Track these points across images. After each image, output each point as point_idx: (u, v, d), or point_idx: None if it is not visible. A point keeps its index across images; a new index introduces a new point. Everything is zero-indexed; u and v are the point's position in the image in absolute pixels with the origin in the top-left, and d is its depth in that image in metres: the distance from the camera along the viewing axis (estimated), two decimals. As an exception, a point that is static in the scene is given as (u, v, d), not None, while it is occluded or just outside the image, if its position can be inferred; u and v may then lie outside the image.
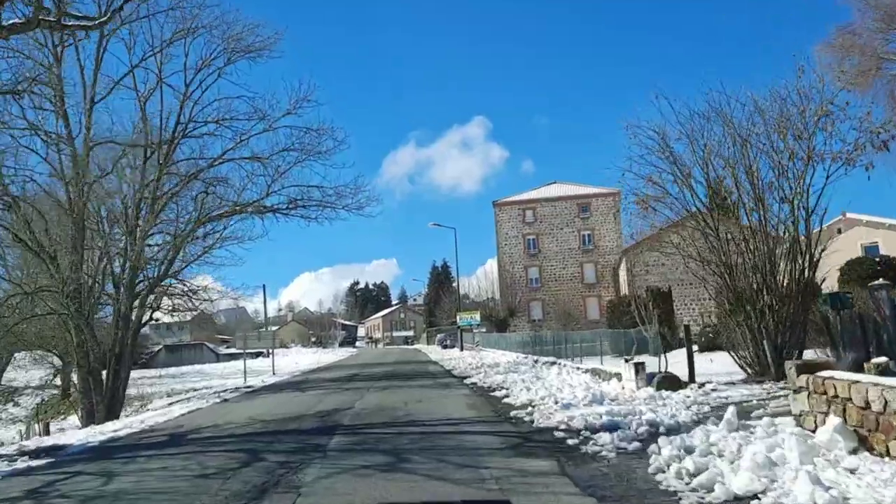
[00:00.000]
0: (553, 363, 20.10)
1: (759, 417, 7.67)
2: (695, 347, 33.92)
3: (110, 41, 21.54)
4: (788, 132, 12.27)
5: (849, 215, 36.38)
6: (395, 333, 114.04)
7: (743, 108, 13.04)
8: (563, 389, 12.97)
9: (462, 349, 42.25)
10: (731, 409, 7.47)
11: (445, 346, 55.25)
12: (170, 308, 33.77)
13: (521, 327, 58.34)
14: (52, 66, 19.37)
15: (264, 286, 79.03)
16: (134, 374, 60.59)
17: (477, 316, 42.99)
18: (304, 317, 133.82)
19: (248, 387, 23.33)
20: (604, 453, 6.95)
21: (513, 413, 10.61)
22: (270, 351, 74.63)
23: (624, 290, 56.61)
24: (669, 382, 11.31)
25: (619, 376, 12.82)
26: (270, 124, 21.94)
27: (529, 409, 10.84)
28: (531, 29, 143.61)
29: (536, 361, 22.07)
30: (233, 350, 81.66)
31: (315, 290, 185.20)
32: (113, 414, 21.25)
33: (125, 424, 14.02)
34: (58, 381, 31.85)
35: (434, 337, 79.37)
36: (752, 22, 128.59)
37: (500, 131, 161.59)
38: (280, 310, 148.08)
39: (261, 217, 23.05)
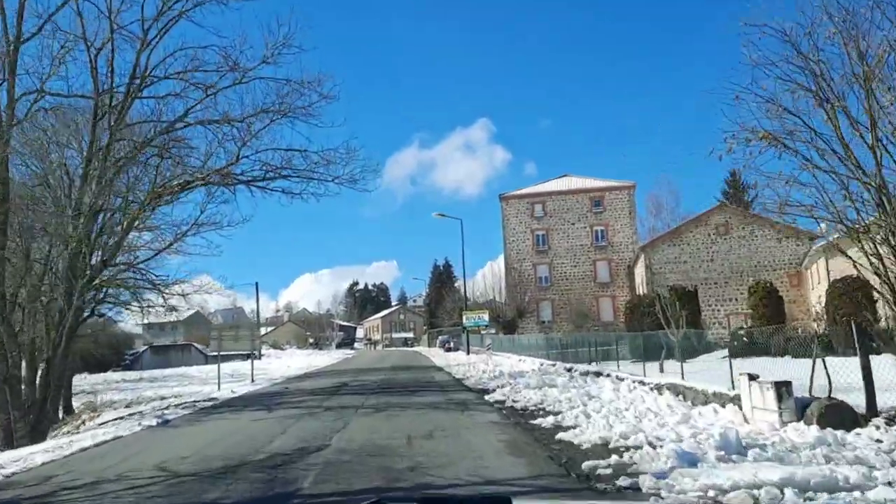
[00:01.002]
0: (598, 374, 15.75)
1: None
2: (721, 354, 29.20)
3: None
4: None
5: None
6: (395, 335, 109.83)
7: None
8: (646, 418, 8.63)
9: (469, 352, 37.96)
10: None
11: (449, 349, 50.87)
12: (143, 306, 29.55)
13: (530, 329, 54.06)
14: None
15: (256, 284, 74.89)
16: (114, 376, 56.48)
17: (485, 316, 38.59)
18: (301, 318, 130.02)
19: (211, 399, 19.00)
20: None
21: (589, 465, 6.36)
22: (256, 353, 70.53)
23: (641, 289, 52.37)
24: (839, 416, 6.95)
25: (735, 401, 8.43)
26: (243, 75, 17.54)
27: (616, 458, 6.57)
28: (538, 30, 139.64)
29: (571, 370, 17.71)
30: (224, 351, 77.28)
31: (315, 291, 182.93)
32: (39, 433, 16.88)
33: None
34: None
35: (435, 339, 75.08)
36: None
37: (503, 134, 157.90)
38: (278, 311, 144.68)
39: (231, 190, 18.67)
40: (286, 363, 57.10)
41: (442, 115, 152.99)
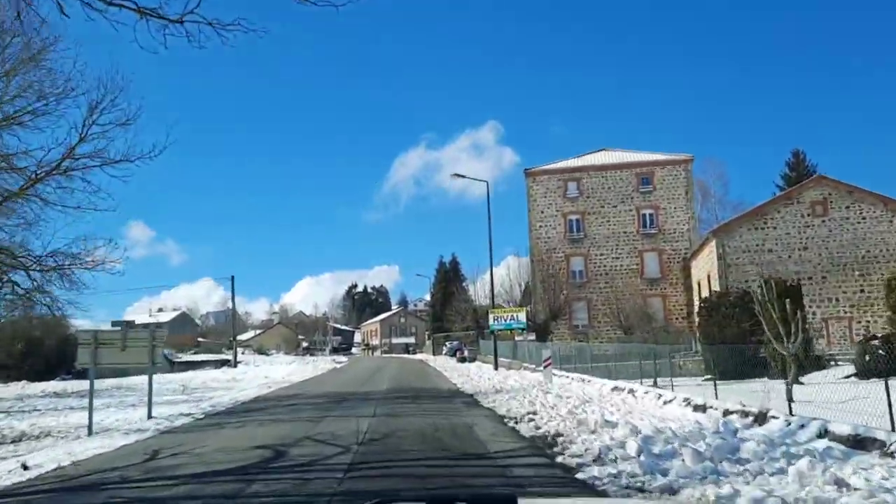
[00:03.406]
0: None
1: None
2: (837, 372, 20.57)
3: None
4: None
5: None
6: (395, 340, 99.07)
7: None
8: None
9: (497, 366, 27.11)
10: None
11: (463, 359, 40.14)
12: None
13: (560, 335, 43.38)
14: None
15: (232, 278, 64.08)
16: (47, 386, 45.56)
17: (522, 316, 27.48)
18: (296, 321, 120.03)
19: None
20: None
21: None
22: (234, 360, 59.81)
23: (706, 286, 41.61)
24: None
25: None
26: None
27: None
28: (548, 31, 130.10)
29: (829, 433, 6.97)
30: (199, 356, 66.63)
31: (315, 294, 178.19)
32: None
33: None
34: None
35: (442, 345, 64.18)
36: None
37: (513, 136, 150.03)
38: (275, 313, 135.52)
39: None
40: (264, 372, 46.29)
41: (451, 115, 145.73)
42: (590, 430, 9.26)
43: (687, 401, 10.98)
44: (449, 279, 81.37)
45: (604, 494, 5.83)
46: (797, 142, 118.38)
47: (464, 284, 73.88)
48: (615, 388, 14.50)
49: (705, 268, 41.14)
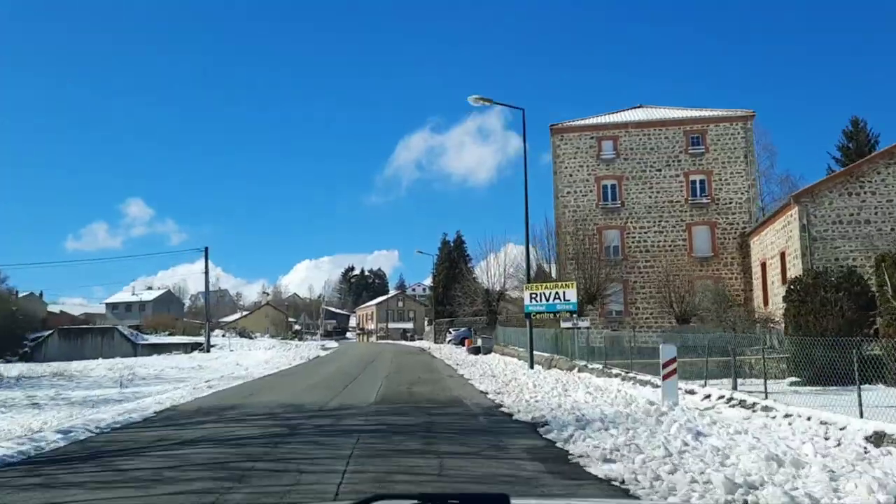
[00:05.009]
0: None
1: None
2: None
3: None
4: None
5: None
6: (392, 325, 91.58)
7: None
8: None
9: (532, 362, 19.13)
10: None
11: (476, 350, 32.34)
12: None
13: (593, 321, 35.65)
14: None
15: (206, 249, 56.05)
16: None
17: (570, 293, 19.10)
18: (289, 303, 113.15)
19: None
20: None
21: None
22: (207, 344, 51.81)
23: (767, 269, 33.89)
24: None
25: None
26: None
27: None
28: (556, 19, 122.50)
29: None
30: (172, 338, 58.85)
31: (314, 278, 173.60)
32: None
33: None
34: None
35: (445, 332, 56.47)
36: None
37: (520, 121, 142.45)
38: (263, 293, 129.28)
39: None
40: (227, 361, 38.71)
41: (458, 99, 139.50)
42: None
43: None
44: (453, 259, 73.55)
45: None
46: (851, 111, 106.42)
47: (469, 265, 66.39)
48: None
49: (777, 244, 33.26)
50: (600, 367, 15.60)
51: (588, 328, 20.26)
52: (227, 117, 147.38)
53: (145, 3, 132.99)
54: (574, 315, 19.46)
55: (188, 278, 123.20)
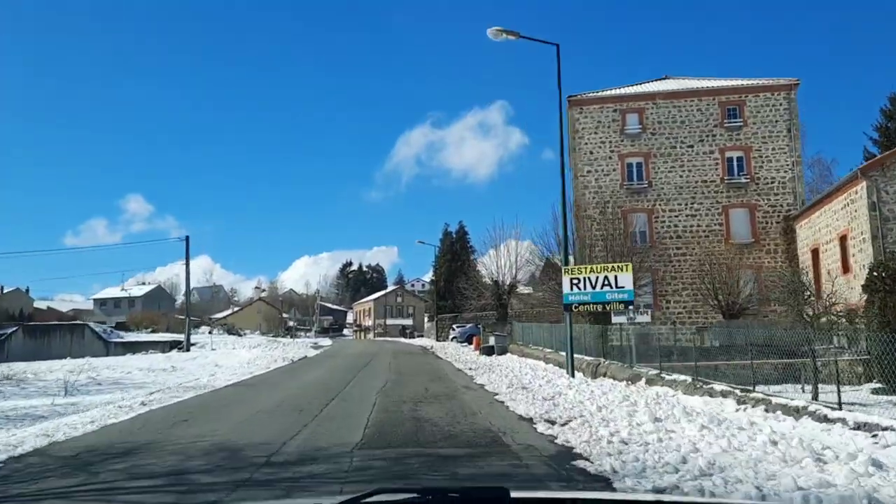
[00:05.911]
0: None
1: None
2: None
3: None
4: None
5: None
6: (390, 321, 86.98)
7: None
8: None
9: (573, 370, 14.48)
10: None
11: (489, 351, 27.79)
12: None
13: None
14: None
15: (187, 238, 51.11)
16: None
17: (626, 278, 14.44)
18: (282, 298, 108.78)
19: None
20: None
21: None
22: (187, 342, 47.18)
23: (820, 255, 29.48)
24: None
25: None
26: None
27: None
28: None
29: None
30: (153, 336, 54.22)
31: (312, 274, 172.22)
32: None
33: None
34: None
35: (448, 329, 51.92)
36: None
37: (521, 117, 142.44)
38: (257, 288, 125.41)
39: None
40: (205, 362, 34.17)
41: (459, 94, 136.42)
42: None
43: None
44: (455, 251, 69.02)
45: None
46: (888, 88, 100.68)
47: (472, 257, 61.87)
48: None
49: (834, 227, 28.75)
50: (686, 379, 11.02)
51: (648, 323, 15.74)
52: (228, 114, 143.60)
53: (145, 2, 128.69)
54: (629, 307, 14.88)
55: (181, 274, 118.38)
